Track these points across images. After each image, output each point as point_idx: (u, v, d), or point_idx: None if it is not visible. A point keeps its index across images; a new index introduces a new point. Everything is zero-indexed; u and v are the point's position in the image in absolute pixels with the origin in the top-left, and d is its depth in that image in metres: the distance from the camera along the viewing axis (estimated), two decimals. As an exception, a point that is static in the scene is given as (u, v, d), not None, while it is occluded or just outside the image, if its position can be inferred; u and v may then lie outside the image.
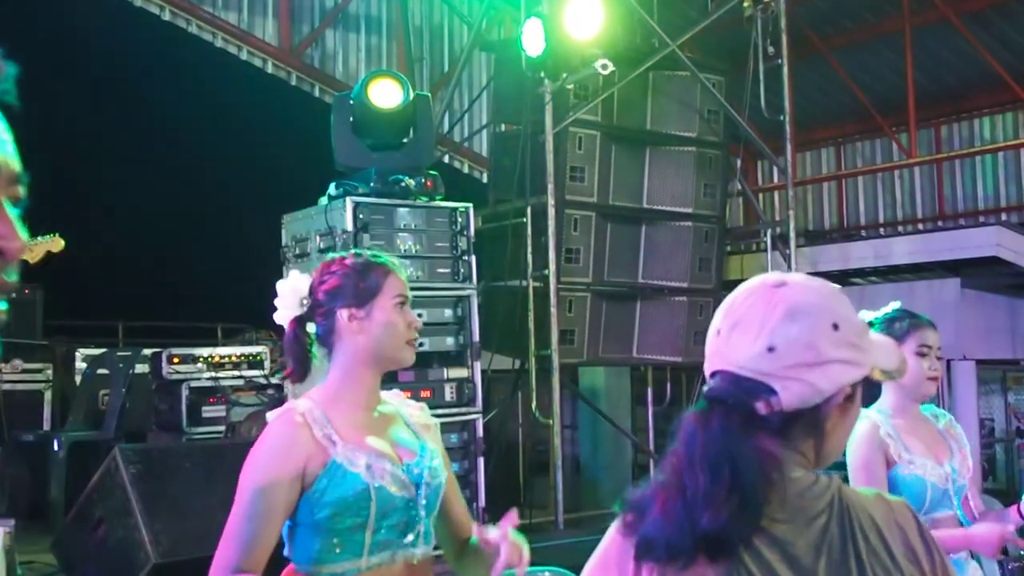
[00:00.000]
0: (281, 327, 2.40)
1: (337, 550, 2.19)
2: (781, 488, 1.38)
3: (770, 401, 1.38)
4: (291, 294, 2.34)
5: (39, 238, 5.48)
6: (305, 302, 2.33)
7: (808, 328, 1.39)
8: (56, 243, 5.53)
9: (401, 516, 2.23)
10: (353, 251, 2.45)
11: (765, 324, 1.40)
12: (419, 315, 2.43)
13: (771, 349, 1.38)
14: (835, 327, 1.40)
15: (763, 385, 1.38)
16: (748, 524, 1.33)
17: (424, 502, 2.28)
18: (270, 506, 2.17)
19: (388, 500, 2.20)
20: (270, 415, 2.27)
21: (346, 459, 2.19)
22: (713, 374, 1.45)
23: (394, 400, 2.43)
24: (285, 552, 2.28)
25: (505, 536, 2.16)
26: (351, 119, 5.33)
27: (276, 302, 2.36)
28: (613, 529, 1.47)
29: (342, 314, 2.29)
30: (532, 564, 3.25)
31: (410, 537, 2.26)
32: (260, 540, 2.16)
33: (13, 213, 0.97)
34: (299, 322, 2.33)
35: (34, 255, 5.47)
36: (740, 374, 1.40)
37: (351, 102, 5.34)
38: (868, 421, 2.94)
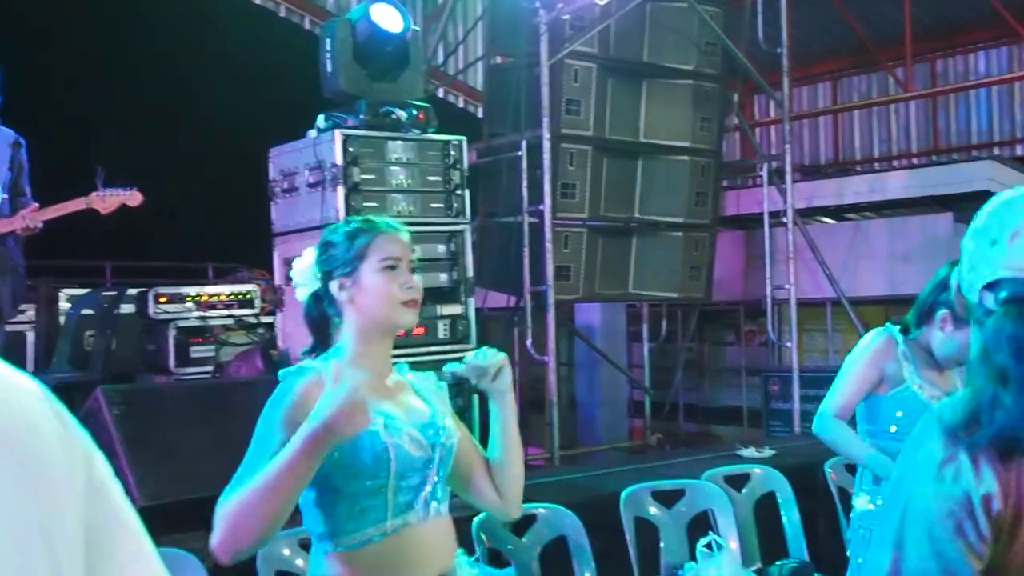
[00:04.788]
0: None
1: (359, 515, 2.14)
2: None
3: None
4: (305, 270, 2.35)
5: (116, 190, 5.33)
6: (316, 276, 2.33)
7: None
8: (134, 197, 5.36)
9: (419, 476, 2.21)
10: (347, 219, 2.44)
11: None
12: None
13: None
14: None
15: None
16: None
17: (439, 461, 2.25)
18: None
19: (407, 460, 2.17)
20: (281, 373, 2.22)
21: None
22: (995, 283, 1.47)
23: (399, 371, 2.42)
24: (304, 525, 2.23)
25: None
26: (352, 44, 5.12)
27: (294, 280, 2.38)
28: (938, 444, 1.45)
29: (334, 284, 2.28)
30: (528, 502, 3.20)
31: (426, 497, 2.23)
32: None
33: None
34: (314, 296, 2.33)
35: (106, 206, 5.30)
36: None
37: (352, 25, 5.13)
38: None
